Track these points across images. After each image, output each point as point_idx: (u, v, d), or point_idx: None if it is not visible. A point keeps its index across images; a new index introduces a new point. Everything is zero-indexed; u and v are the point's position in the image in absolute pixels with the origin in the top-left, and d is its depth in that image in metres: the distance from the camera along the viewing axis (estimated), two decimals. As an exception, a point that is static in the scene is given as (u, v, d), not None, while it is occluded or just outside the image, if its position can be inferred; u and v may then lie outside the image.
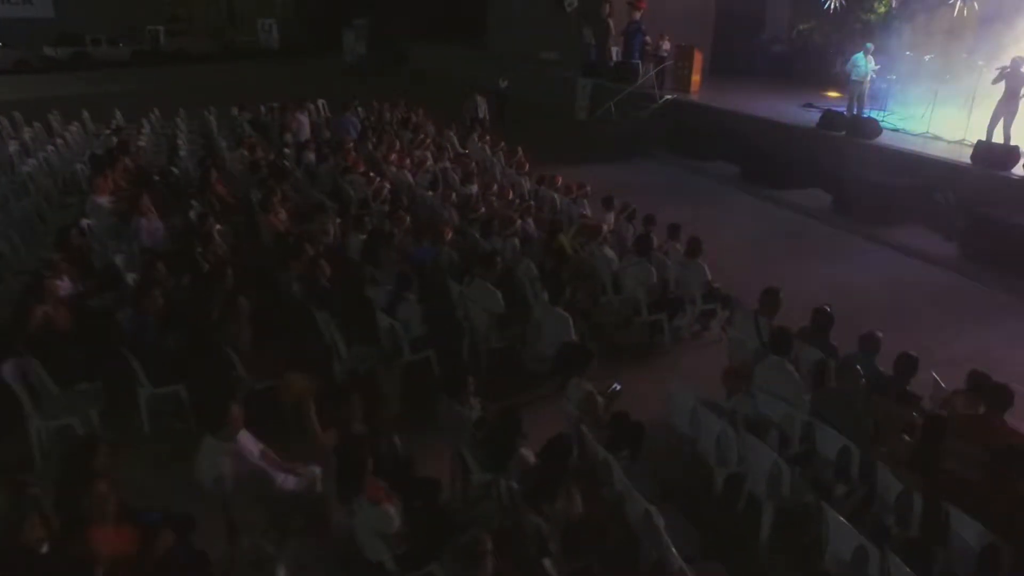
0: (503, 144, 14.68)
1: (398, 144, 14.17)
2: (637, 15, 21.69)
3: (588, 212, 11.00)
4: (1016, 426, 5.73)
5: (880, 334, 6.69)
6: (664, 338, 8.67)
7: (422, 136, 14.90)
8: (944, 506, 4.89)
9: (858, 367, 6.27)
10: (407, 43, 37.57)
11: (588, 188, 11.25)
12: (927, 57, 17.03)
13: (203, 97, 21.49)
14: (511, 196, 10.91)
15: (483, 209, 10.10)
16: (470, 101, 17.52)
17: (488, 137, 15.20)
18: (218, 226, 9.69)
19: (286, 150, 14.18)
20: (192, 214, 10.05)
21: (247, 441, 5.19)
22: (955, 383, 6.63)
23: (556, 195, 11.62)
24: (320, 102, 20.37)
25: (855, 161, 14.04)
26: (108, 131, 16.22)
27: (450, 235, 8.78)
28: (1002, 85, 12.82)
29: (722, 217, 13.52)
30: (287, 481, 5.39)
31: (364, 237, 8.83)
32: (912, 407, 6.18)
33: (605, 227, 8.94)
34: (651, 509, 4.68)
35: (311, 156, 13.60)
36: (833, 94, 19.56)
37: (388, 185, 11.34)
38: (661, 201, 14.35)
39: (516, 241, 8.89)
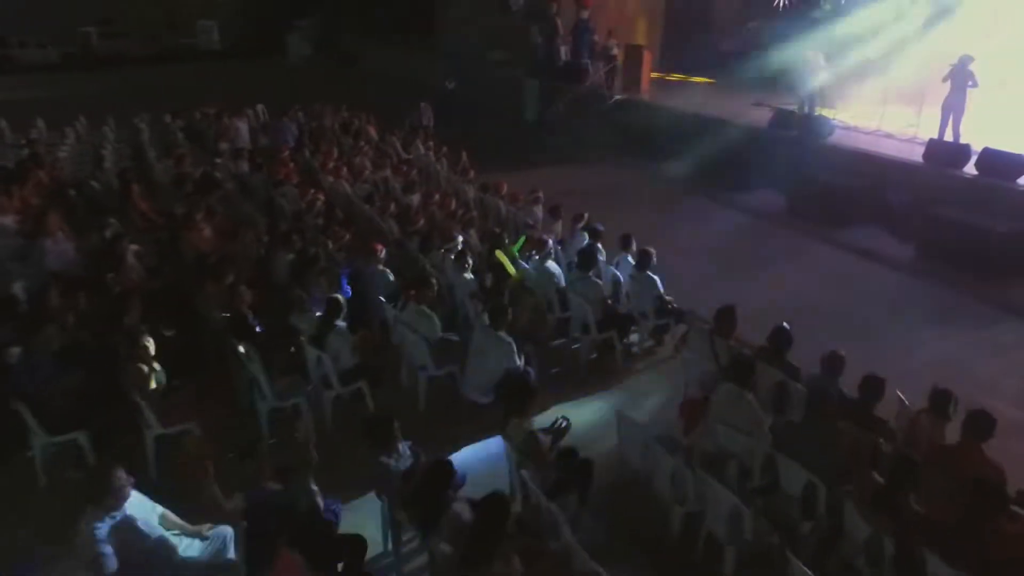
0: (446, 149, 14.07)
1: (336, 152, 13.47)
2: (585, 13, 21.27)
3: (538, 220, 10.47)
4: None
5: (843, 353, 6.26)
6: (615, 357, 8.17)
7: (362, 143, 14.20)
8: (919, 551, 4.46)
9: (821, 394, 5.85)
10: (354, 44, 36.70)
11: (540, 194, 10.70)
12: (876, 54, 16.85)
13: (138, 103, 20.51)
14: (453, 206, 10.31)
15: (423, 221, 9.49)
16: (414, 109, 16.87)
17: (431, 143, 14.57)
18: (134, 246, 8.94)
19: (217, 160, 13.39)
20: (107, 233, 9.27)
21: (139, 507, 4.53)
22: (919, 395, 6.31)
23: (501, 203, 11.06)
24: (259, 107, 19.55)
25: (808, 161, 13.76)
26: (24, 141, 15.20)
27: (383, 252, 8.14)
28: (947, 83, 12.70)
29: (675, 221, 13.12)
30: (191, 548, 4.76)
31: (292, 257, 8.16)
32: (879, 431, 5.77)
33: (550, 240, 8.41)
34: (600, 573, 4.16)
35: (245, 166, 12.85)
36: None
37: (322, 198, 10.66)
38: (612, 206, 13.92)
39: (461, 255, 8.27)
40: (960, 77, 12.46)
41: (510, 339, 6.68)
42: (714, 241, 12.19)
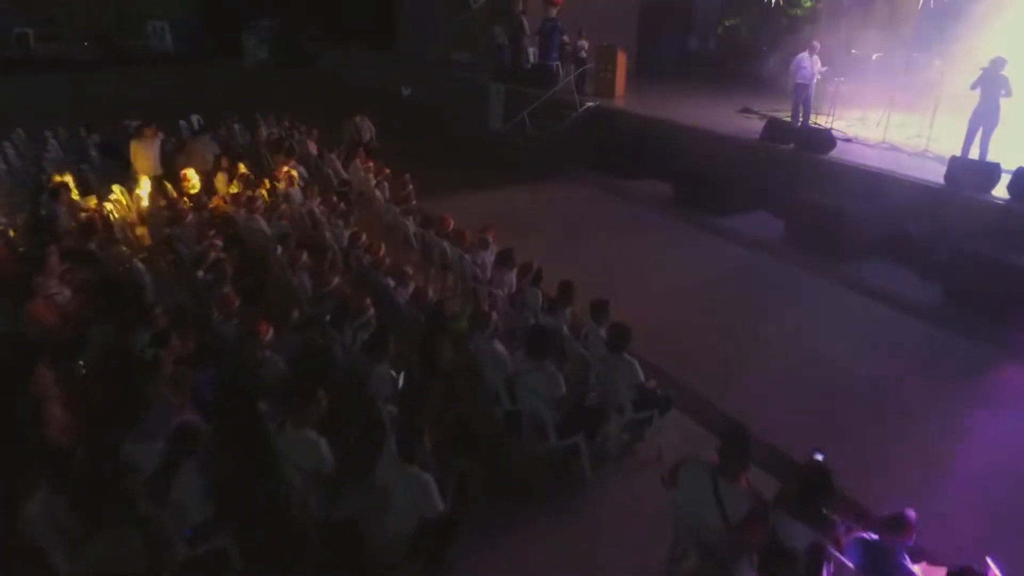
0: (388, 171, 12.04)
1: (251, 178, 11.37)
2: (553, 11, 19.42)
3: (486, 267, 8.48)
4: None
5: (912, 515, 4.34)
6: (583, 465, 6.21)
7: (285, 169, 12.09)
8: None
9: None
10: (312, 46, 34.60)
11: (490, 236, 8.71)
12: (875, 56, 15.06)
13: (77, 109, 18.43)
14: (381, 254, 8.27)
15: (334, 283, 7.42)
16: (350, 124, 14.82)
17: (372, 164, 12.53)
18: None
19: (115, 189, 11.28)
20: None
21: None
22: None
23: (447, 244, 9.06)
24: (194, 117, 17.39)
25: (807, 181, 11.90)
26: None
27: (269, 335, 6.10)
28: (977, 90, 10.87)
29: (654, 255, 11.21)
30: None
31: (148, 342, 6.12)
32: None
33: (495, 315, 6.42)
34: None
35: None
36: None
37: (220, 243, 8.59)
38: (581, 233, 12.06)
39: (378, 340, 6.21)
40: (991, 84, 10.63)
41: (427, 476, 4.70)
42: (701, 280, 10.31)
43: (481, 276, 8.14)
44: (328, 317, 6.81)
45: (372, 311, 6.52)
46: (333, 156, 13.64)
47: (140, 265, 8.61)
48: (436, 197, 13.51)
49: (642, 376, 6.32)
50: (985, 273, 9.03)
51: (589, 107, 16.87)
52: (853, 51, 15.26)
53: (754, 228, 12.04)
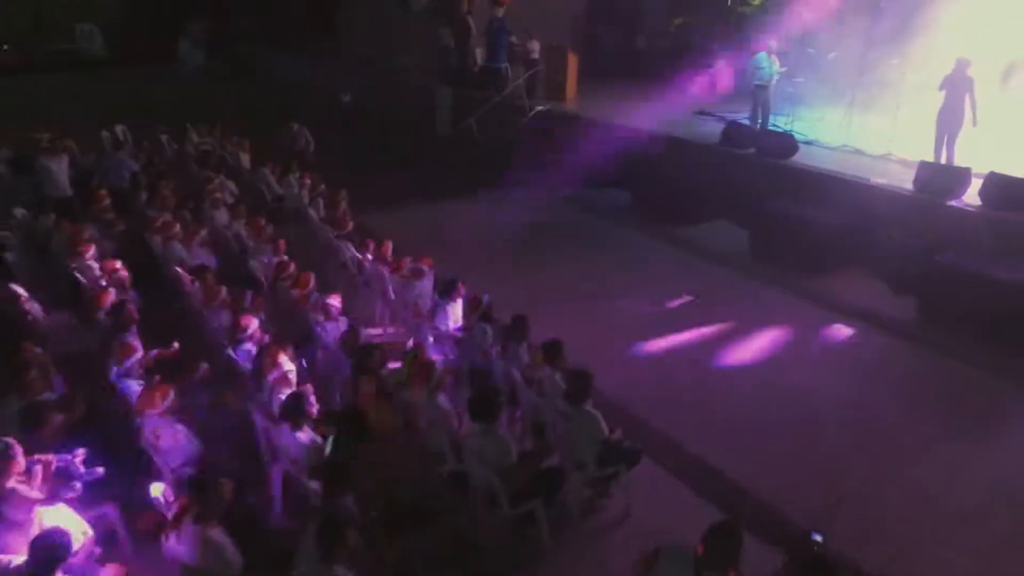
0: (323, 188, 11.10)
1: (174, 199, 10.31)
2: (500, 11, 18.56)
3: (425, 298, 7.65)
4: None
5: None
6: (541, 533, 5.42)
7: (215, 184, 11.04)
8: None
9: None
10: (251, 50, 33.22)
11: (427, 266, 7.87)
12: (831, 55, 14.58)
13: None
14: (310, 287, 7.36)
15: (254, 328, 6.47)
16: (285, 131, 13.81)
17: (308, 180, 11.57)
18: None
19: (16, 214, 10.14)
20: None
21: None
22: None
23: (385, 271, 8.20)
24: (119, 128, 16.12)
25: (770, 188, 11.29)
26: None
27: (169, 398, 5.17)
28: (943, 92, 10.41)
29: (612, 272, 10.48)
30: None
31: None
32: None
33: (438, 367, 5.57)
34: None
35: (50, 222, 9.67)
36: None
37: (125, 275, 7.57)
38: (533, 251, 11.26)
39: (294, 404, 5.30)
40: (957, 86, 10.16)
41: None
42: (664, 300, 9.60)
43: (421, 310, 7.28)
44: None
45: (287, 366, 5.60)
46: (266, 170, 12.63)
47: (36, 304, 7.57)
48: (379, 210, 12.66)
49: (606, 430, 5.56)
50: (962, 288, 8.49)
51: (540, 111, 16.11)
52: (810, 50, 14.75)
53: (717, 240, 11.42)
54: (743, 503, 6.05)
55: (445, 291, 7.31)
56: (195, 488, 4.11)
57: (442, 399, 5.50)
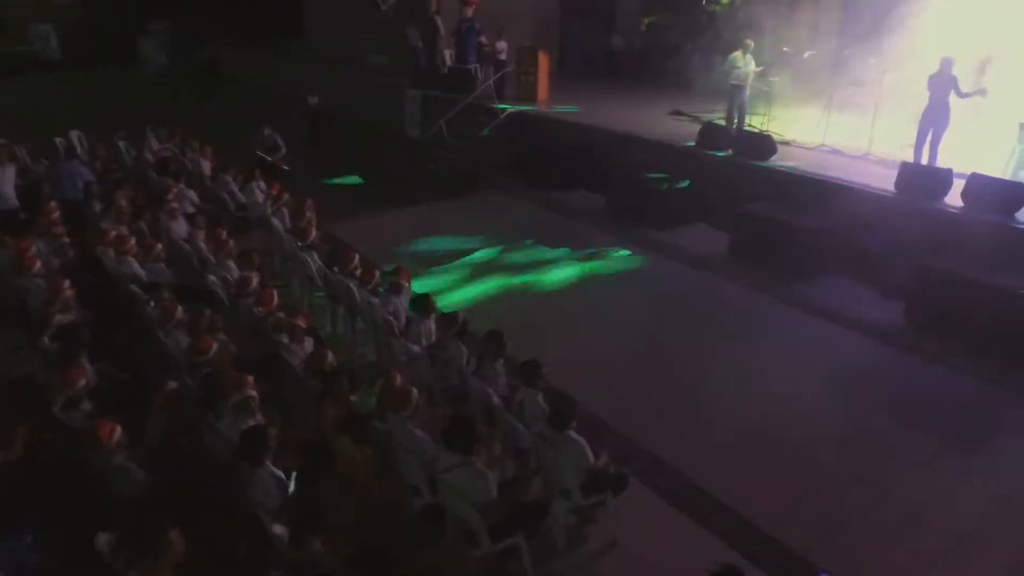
0: (288, 197, 10.64)
1: (130, 209, 9.78)
2: (469, 11, 18.21)
3: (400, 314, 7.25)
4: None
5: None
6: (524, 568, 5.06)
7: (173, 193, 10.51)
8: None
9: None
10: (216, 51, 32.48)
11: (403, 276, 7.46)
12: (807, 54, 14.43)
13: None
14: (274, 304, 6.93)
15: (213, 351, 6.02)
16: (256, 136, 13.30)
17: (276, 188, 11.08)
18: None
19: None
20: None
21: None
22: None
23: (354, 285, 7.79)
24: (74, 133, 15.48)
25: (749, 190, 11.04)
26: None
27: (116, 435, 4.71)
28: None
29: (589, 280, 10.14)
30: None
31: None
32: None
33: (414, 394, 5.18)
34: None
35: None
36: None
37: (71, 294, 7.06)
38: (505, 255, 10.90)
39: (255, 438, 4.87)
40: (941, 86, 9.99)
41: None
42: (644, 308, 9.28)
43: (395, 327, 6.89)
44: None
45: (252, 392, 5.17)
46: (228, 177, 12.11)
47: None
48: (348, 216, 12.24)
49: (591, 457, 5.22)
50: (951, 293, 8.27)
51: (511, 113, 15.76)
52: (785, 49, 14.57)
53: (696, 244, 11.11)
54: (735, 527, 5.76)
55: (420, 307, 6.92)
56: (138, 541, 3.68)
57: (417, 431, 5.11)
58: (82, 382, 5.58)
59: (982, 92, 10.13)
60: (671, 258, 10.79)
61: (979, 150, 11.12)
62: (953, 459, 6.57)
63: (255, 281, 7.36)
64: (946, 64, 10.00)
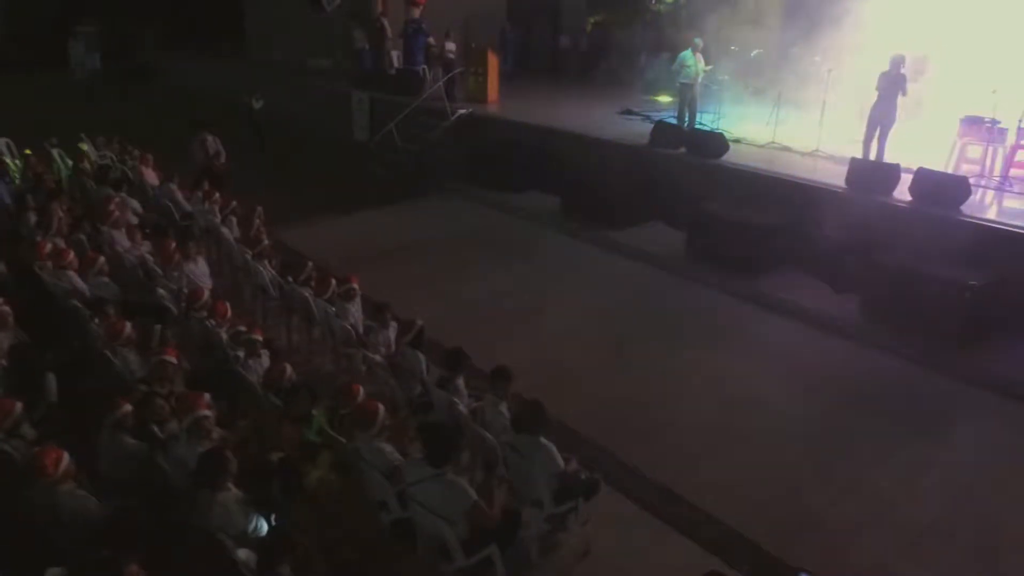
0: (235, 204, 10.33)
1: (68, 221, 9.36)
2: (416, 12, 18.07)
3: (357, 323, 7.06)
4: None
5: None
6: (497, 580, 4.94)
7: (115, 203, 10.07)
8: None
9: None
10: (153, 53, 31.54)
11: (355, 285, 7.27)
12: (753, 52, 14.61)
13: None
14: (227, 315, 6.67)
15: (168, 372, 5.72)
16: (197, 142, 12.88)
17: (218, 195, 10.72)
18: None
19: None
20: None
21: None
22: None
23: (309, 295, 7.56)
24: (2, 141, 14.81)
25: (703, 188, 11.10)
26: None
27: (62, 464, 4.44)
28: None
29: (549, 283, 10.07)
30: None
31: None
32: None
33: (381, 409, 5.01)
34: None
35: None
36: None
37: (7, 312, 6.68)
38: (463, 261, 10.78)
39: (213, 470, 4.62)
40: (892, 83, 10.20)
41: None
42: (605, 310, 9.23)
43: (354, 337, 6.69)
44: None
45: (205, 412, 4.93)
46: (173, 185, 11.70)
47: None
48: (297, 224, 11.95)
49: (562, 463, 5.12)
50: (903, 286, 8.42)
51: (462, 114, 15.62)
52: (733, 47, 14.72)
53: (653, 243, 11.12)
54: (707, 528, 5.74)
55: (377, 315, 6.74)
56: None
57: (386, 447, 4.93)
58: (19, 407, 5.24)
59: (904, 91, 10.34)
60: (629, 258, 10.79)
61: (921, 145, 11.43)
62: (915, 450, 6.66)
63: (206, 293, 7.07)
64: (896, 63, 10.20)
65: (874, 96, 10.48)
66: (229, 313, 6.76)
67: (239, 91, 20.55)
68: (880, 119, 10.35)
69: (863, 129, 10.80)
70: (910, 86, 10.53)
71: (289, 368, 5.75)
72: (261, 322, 8.06)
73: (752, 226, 9.90)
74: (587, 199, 12.18)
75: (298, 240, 11.46)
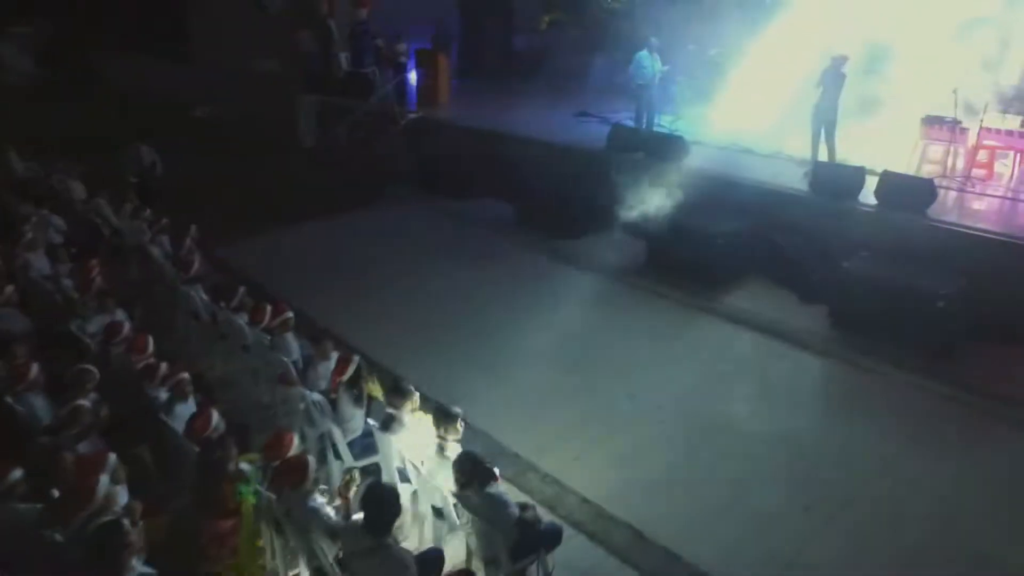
0: (166, 221, 9.62)
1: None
2: (363, 13, 17.39)
3: (295, 356, 6.49)
4: None
5: None
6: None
7: (33, 222, 9.32)
8: None
9: None
10: (92, 56, 30.22)
11: (290, 315, 6.68)
12: (712, 51, 14.27)
13: None
14: (148, 352, 6.03)
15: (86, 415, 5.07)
16: (130, 153, 12.12)
17: (148, 211, 10.00)
18: None
19: None
20: None
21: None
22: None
23: (243, 323, 6.95)
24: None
25: (666, 195, 10.66)
26: None
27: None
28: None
29: (505, 300, 9.53)
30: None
31: None
32: None
33: (311, 463, 4.44)
34: None
35: None
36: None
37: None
38: (414, 274, 10.23)
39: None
40: (834, 83, 9.95)
41: None
42: (563, 327, 8.69)
43: (292, 373, 6.11)
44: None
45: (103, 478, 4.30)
46: (103, 201, 10.93)
47: None
48: (239, 238, 11.29)
49: (516, 511, 4.63)
50: (873, 296, 8.08)
51: (412, 118, 15.02)
52: (691, 46, 14.36)
53: (612, 253, 10.65)
54: (679, 571, 5.30)
55: (316, 347, 6.17)
56: None
57: (323, 509, 4.37)
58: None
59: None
60: (587, 269, 10.31)
61: (883, 145, 11.20)
62: (898, 474, 6.30)
63: (126, 326, 6.43)
64: (838, 62, 10.00)
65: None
66: (151, 348, 6.12)
67: (181, 96, 19.74)
68: (821, 119, 10.14)
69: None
70: (868, 82, 10.38)
71: (216, 416, 5.14)
72: (193, 351, 7.44)
73: (713, 233, 9.49)
74: (543, 207, 11.68)
75: (240, 256, 10.81)
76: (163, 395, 5.69)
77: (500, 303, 9.34)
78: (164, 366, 5.85)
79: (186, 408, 5.56)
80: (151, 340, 6.19)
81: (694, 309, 9.12)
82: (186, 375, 5.75)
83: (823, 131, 10.40)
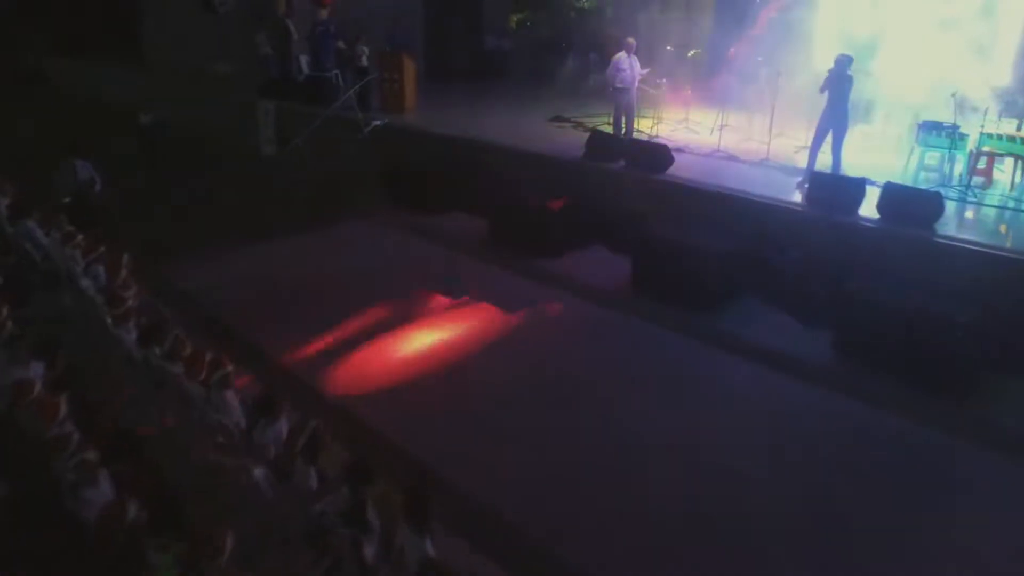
0: (102, 249, 8.63)
1: None
2: (324, 13, 16.46)
3: (238, 421, 5.60)
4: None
5: None
6: None
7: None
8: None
9: None
10: (39, 59, 28.82)
11: (229, 369, 5.78)
12: (691, 53, 13.58)
13: None
14: (60, 416, 5.13)
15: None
16: (63, 170, 11.06)
17: (80, 237, 8.98)
18: None
19: None
20: None
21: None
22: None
23: (180, 374, 6.02)
24: None
25: (648, 207, 9.95)
26: None
27: None
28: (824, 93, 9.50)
29: (475, 327, 8.68)
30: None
31: None
32: None
33: (228, 540, 3.57)
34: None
35: None
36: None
37: None
38: (378, 298, 9.34)
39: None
40: (839, 85, 9.23)
41: None
42: (539, 360, 7.90)
43: (235, 437, 5.22)
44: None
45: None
46: (33, 223, 9.88)
47: None
48: (189, 260, 10.33)
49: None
50: (881, 322, 7.38)
51: (377, 125, 14.13)
52: (669, 48, 13.65)
53: (594, 272, 9.87)
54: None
55: (266, 407, 5.29)
56: None
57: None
58: None
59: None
60: (568, 292, 9.49)
61: (877, 152, 10.64)
62: (917, 528, 5.58)
63: (36, 385, 5.48)
64: (843, 63, 9.31)
65: (822, 100, 9.58)
66: (62, 413, 5.18)
67: (129, 102, 18.62)
68: (830, 124, 9.41)
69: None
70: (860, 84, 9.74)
71: (133, 508, 4.25)
72: (126, 402, 6.50)
73: (703, 252, 8.73)
74: (517, 222, 10.85)
75: (189, 279, 9.85)
76: (71, 477, 4.75)
77: (469, 334, 8.48)
78: (76, 437, 4.91)
79: (98, 494, 4.63)
80: (64, 401, 5.24)
81: (687, 336, 8.33)
82: (92, 455, 4.79)
83: (832, 139, 9.69)
